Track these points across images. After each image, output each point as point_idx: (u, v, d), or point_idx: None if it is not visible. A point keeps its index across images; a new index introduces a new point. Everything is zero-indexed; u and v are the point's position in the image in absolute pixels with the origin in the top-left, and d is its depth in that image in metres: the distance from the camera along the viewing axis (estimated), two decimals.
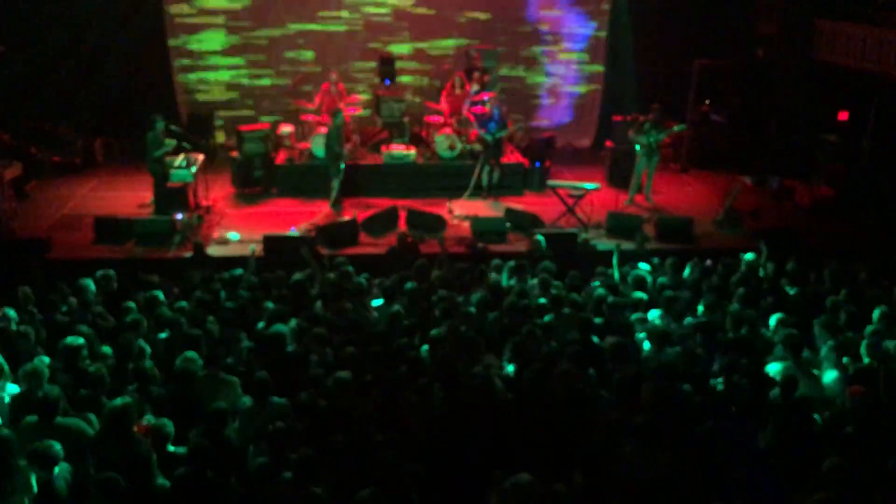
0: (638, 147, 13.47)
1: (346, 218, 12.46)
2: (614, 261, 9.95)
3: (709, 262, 10.10)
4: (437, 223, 12.46)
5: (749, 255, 10.09)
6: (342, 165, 13.05)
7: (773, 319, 7.85)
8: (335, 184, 13.06)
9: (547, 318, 8.02)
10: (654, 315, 8.29)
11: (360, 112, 14.98)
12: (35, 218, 12.79)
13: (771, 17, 16.24)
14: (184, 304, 8.36)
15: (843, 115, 15.09)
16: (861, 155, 14.38)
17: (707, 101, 16.39)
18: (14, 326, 7.60)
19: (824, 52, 15.22)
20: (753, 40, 16.56)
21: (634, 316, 8.19)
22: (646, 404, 6.09)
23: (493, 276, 9.57)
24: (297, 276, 9.27)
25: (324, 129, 13.80)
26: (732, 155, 16.00)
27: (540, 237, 10.93)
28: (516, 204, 13.41)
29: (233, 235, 11.96)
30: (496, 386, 6.37)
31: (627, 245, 11.23)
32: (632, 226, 12.24)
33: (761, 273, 9.68)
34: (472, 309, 8.08)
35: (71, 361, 6.80)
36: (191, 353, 6.66)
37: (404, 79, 16.47)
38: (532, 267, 9.69)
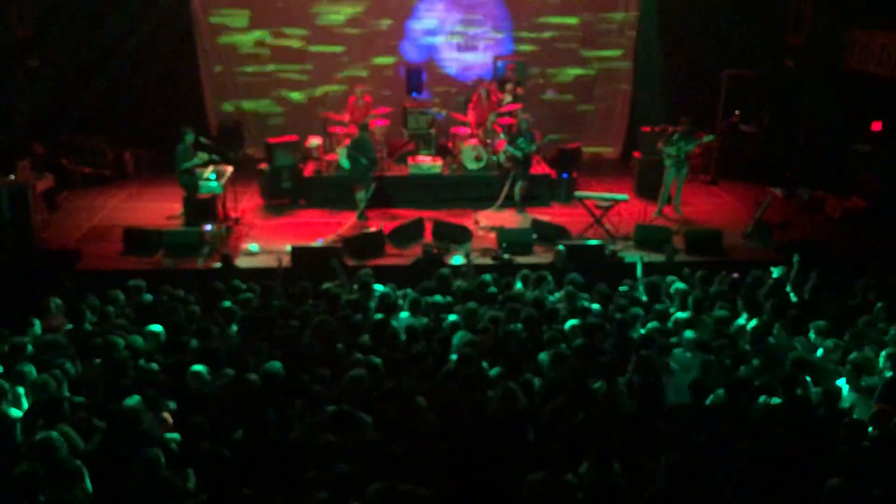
0: (667, 158, 13.36)
1: (373, 229, 12.49)
2: (638, 272, 9.88)
3: (735, 275, 9.97)
4: (463, 234, 12.45)
5: (778, 269, 9.97)
6: (370, 176, 13.09)
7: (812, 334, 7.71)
8: (362, 195, 13.09)
9: (568, 323, 8.01)
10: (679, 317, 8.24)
11: (387, 125, 15.03)
12: (66, 229, 12.95)
13: (800, 27, 16.07)
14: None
15: (877, 125, 14.87)
16: (894, 165, 14.14)
17: (736, 112, 16.25)
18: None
19: (856, 62, 15.02)
20: (783, 50, 16.39)
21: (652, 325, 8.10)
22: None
23: (519, 286, 9.51)
24: (327, 285, 9.32)
25: (350, 141, 13.89)
26: (762, 166, 15.81)
27: (561, 248, 10.86)
28: (543, 215, 13.37)
29: (252, 247, 12.01)
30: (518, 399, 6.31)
31: (656, 257, 11.17)
32: (660, 238, 12.15)
33: (789, 287, 9.53)
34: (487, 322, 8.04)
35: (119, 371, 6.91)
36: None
37: None
38: (559, 279, 9.64)
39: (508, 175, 13.80)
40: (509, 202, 13.83)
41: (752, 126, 16.33)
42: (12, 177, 12.39)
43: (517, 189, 13.77)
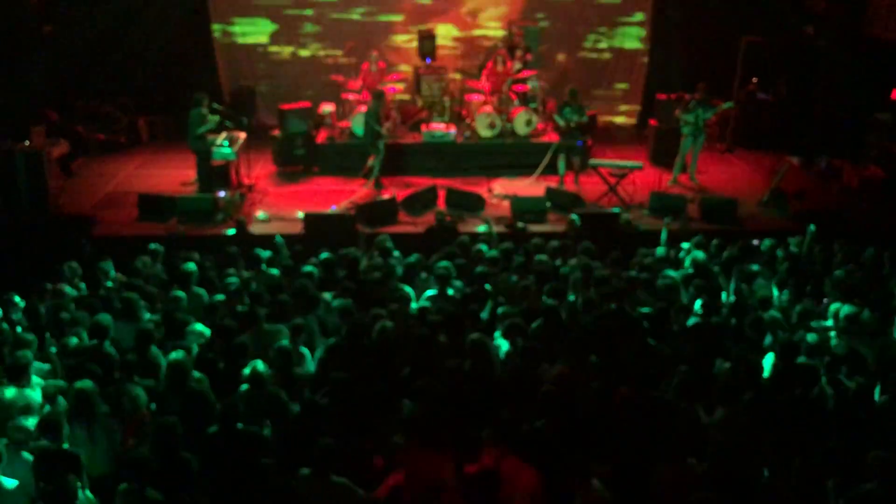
0: (684, 126, 13.21)
1: (386, 196, 12.47)
2: (662, 238, 9.84)
3: (755, 241, 9.91)
4: (477, 202, 12.42)
5: (794, 239, 9.90)
6: (381, 144, 13.02)
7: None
8: (375, 162, 13.04)
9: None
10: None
11: (400, 92, 14.91)
12: (81, 195, 13.02)
13: None
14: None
15: None
16: None
17: (754, 80, 16.01)
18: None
19: (878, 28, 14.74)
20: (802, 17, 16.09)
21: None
22: None
23: (543, 257, 9.42)
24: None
25: (364, 108, 13.82)
26: (779, 135, 15.63)
27: (575, 216, 10.81)
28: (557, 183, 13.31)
29: (261, 216, 12.02)
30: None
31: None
32: (675, 206, 12.07)
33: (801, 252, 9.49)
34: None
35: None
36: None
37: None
38: (574, 247, 9.61)
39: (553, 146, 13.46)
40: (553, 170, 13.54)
41: (769, 94, 16.11)
42: (28, 143, 12.44)
43: (562, 161, 13.29)
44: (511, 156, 14.00)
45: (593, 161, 13.41)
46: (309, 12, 16.39)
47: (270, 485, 5.21)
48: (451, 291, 8.19)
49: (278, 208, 12.33)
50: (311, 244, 9.97)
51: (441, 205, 12.37)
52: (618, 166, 12.93)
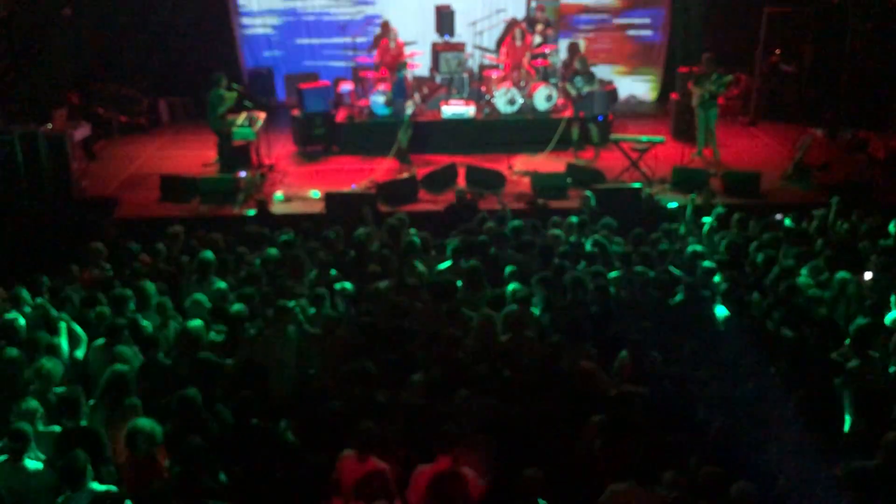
0: (693, 98, 13.05)
1: (405, 175, 12.45)
2: (688, 213, 9.76)
3: (778, 215, 9.81)
4: (497, 179, 12.37)
5: (819, 211, 9.79)
6: (406, 119, 12.99)
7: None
8: (401, 136, 13.01)
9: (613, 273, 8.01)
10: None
11: (418, 67, 14.84)
12: (103, 177, 13.10)
13: None
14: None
15: None
16: None
17: (777, 51, 15.77)
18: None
19: None
20: None
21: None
22: None
23: (557, 232, 9.37)
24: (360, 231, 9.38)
25: (382, 86, 13.79)
26: (803, 107, 15.43)
27: (589, 193, 10.70)
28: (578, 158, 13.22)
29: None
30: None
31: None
32: (697, 180, 11.94)
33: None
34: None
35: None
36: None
37: None
38: (592, 223, 9.55)
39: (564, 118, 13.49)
40: (568, 145, 13.53)
41: (792, 65, 15.86)
42: (50, 126, 12.52)
43: (576, 130, 13.43)
44: (531, 132, 13.91)
45: (614, 136, 13.30)
46: None
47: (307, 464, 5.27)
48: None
49: (299, 188, 12.35)
50: (331, 223, 9.97)
51: (461, 182, 12.34)
52: (639, 140, 12.81)
